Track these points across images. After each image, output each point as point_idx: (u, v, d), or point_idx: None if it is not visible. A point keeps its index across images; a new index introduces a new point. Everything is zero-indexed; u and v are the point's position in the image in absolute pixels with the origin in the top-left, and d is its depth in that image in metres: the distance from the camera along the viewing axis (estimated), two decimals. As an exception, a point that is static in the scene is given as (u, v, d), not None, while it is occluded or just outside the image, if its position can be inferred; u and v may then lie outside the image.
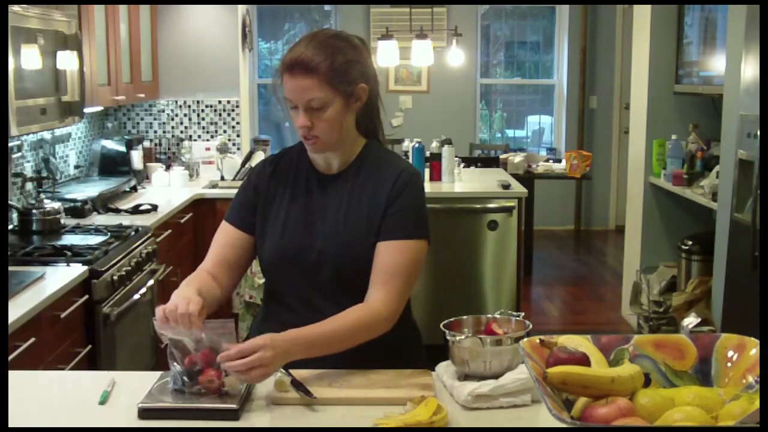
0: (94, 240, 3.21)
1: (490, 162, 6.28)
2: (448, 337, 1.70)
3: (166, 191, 4.59)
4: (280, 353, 1.61)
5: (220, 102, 5.38)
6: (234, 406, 1.56)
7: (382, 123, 1.96)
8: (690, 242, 4.55)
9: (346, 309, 1.76)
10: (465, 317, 1.80)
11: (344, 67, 1.78)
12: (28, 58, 2.96)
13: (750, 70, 3.44)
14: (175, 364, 1.63)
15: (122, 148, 4.59)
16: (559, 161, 6.62)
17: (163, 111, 5.35)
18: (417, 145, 4.75)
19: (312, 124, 1.78)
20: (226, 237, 1.91)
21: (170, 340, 1.63)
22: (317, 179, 1.90)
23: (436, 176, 4.79)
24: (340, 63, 1.77)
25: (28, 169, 3.81)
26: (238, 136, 5.43)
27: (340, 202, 1.86)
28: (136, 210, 3.93)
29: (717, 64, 4.34)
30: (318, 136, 1.80)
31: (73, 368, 2.69)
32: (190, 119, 5.38)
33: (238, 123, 5.41)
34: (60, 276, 2.74)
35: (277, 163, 1.95)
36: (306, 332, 1.69)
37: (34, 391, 1.71)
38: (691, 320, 4.06)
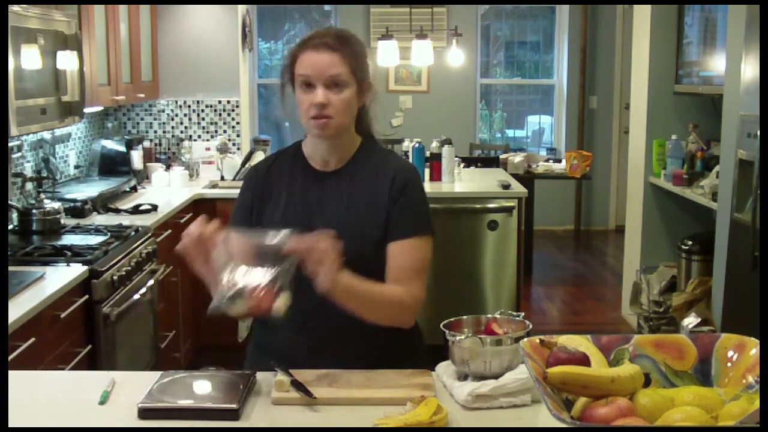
0: (94, 240, 3.21)
1: (490, 162, 6.29)
2: (448, 337, 1.70)
3: (166, 191, 4.59)
4: (338, 271, 1.61)
5: (220, 102, 5.37)
6: (234, 406, 1.56)
7: (372, 120, 1.97)
8: (690, 242, 4.55)
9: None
10: (465, 317, 1.80)
11: (361, 58, 1.83)
12: (28, 58, 2.96)
13: (750, 70, 3.44)
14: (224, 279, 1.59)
15: (122, 148, 4.59)
16: (559, 161, 6.61)
17: (163, 111, 5.35)
18: (417, 145, 4.75)
19: (328, 101, 1.78)
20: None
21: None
22: (314, 176, 1.90)
23: (436, 176, 4.78)
24: (359, 52, 1.83)
25: (28, 169, 3.81)
26: (238, 136, 5.43)
27: (338, 198, 1.86)
28: (136, 210, 3.93)
29: (717, 64, 4.34)
30: (331, 116, 1.79)
31: (73, 368, 2.69)
32: (190, 119, 5.38)
33: (238, 123, 5.41)
34: (60, 276, 2.74)
35: (271, 164, 1.96)
36: (356, 279, 1.70)
37: (34, 391, 1.71)
38: (691, 320, 4.06)
